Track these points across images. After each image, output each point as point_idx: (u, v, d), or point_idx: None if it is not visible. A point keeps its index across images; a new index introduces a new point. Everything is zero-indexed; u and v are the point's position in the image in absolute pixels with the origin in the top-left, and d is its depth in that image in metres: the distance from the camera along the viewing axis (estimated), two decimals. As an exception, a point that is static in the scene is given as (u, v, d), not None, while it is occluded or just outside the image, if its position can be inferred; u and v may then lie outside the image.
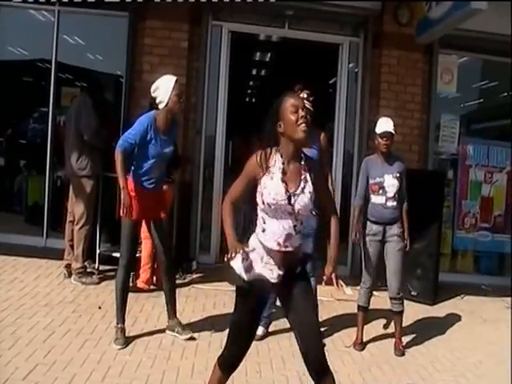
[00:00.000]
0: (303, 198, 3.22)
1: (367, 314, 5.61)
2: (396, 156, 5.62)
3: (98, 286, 6.53)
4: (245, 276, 3.25)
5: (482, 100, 9.73)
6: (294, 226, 3.26)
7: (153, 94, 5.01)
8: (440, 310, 6.95)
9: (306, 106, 5.37)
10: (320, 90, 9.88)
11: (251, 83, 16.27)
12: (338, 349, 5.39)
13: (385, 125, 5.43)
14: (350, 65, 8.32)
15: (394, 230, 5.39)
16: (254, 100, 19.32)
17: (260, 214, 3.30)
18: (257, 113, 7.00)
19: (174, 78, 5.01)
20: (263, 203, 3.21)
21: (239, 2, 7.64)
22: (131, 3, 7.44)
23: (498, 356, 5.54)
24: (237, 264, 3.25)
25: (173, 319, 5.31)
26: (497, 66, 9.09)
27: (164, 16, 7.48)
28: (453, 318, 6.65)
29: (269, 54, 12.92)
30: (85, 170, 6.59)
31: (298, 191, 3.22)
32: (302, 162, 3.32)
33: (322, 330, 5.45)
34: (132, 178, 4.96)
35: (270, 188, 3.19)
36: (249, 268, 3.25)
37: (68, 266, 6.70)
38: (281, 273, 3.26)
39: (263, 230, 3.28)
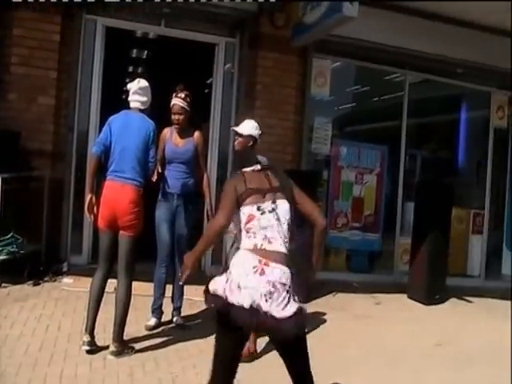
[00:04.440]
0: None
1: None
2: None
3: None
4: None
5: (354, 104, 10.07)
6: None
7: (139, 91, 5.16)
8: (313, 307, 7.01)
9: (181, 105, 5.59)
10: (197, 89, 9.87)
11: (128, 80, 15.98)
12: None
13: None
14: (226, 65, 8.34)
15: None
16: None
17: None
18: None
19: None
20: None
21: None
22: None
23: (368, 350, 5.75)
24: None
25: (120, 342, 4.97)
26: (368, 71, 9.47)
27: (35, 6, 7.10)
28: (325, 315, 6.80)
29: (145, 52, 12.75)
30: None
31: None
32: None
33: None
34: (143, 188, 5.05)
35: None
36: None
37: None
38: None
39: None
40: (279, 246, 3.25)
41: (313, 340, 5.83)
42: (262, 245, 3.21)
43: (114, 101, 7.13)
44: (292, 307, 3.18)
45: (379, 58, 8.93)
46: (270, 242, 3.22)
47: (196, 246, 3.43)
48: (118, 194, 4.86)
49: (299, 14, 7.84)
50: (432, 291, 7.96)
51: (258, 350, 5.31)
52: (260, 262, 3.14)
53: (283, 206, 3.34)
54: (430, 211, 7.98)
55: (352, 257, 9.19)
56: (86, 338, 4.86)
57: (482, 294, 8.52)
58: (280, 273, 3.19)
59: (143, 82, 5.15)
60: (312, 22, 7.46)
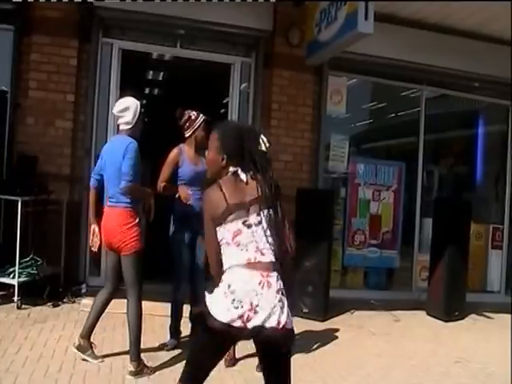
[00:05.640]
0: None
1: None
2: None
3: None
4: None
5: (370, 121, 10.07)
6: None
7: (119, 114, 5.08)
8: (330, 325, 7.07)
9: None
10: (213, 109, 9.91)
11: (144, 102, 16.09)
12: (229, 369, 5.36)
13: None
14: (242, 85, 8.39)
15: None
16: (146, 119, 18.90)
17: None
18: (149, 132, 6.98)
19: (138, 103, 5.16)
20: None
21: (130, 19, 7.65)
22: (17, 16, 7.23)
23: (387, 368, 5.72)
24: None
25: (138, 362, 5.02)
26: (385, 87, 9.46)
27: (52, 31, 7.24)
28: (342, 333, 6.78)
29: (161, 73, 12.84)
30: None
31: None
32: None
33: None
34: (131, 207, 4.93)
35: None
36: None
37: None
38: None
39: None
40: (271, 256, 3.05)
41: (331, 358, 5.89)
42: (255, 258, 3.01)
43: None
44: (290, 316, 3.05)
45: (395, 74, 8.94)
46: (262, 254, 3.03)
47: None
48: (107, 218, 4.97)
49: (314, 32, 7.87)
50: (451, 308, 7.90)
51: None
52: (263, 275, 2.98)
53: (269, 214, 3.11)
54: (448, 227, 7.94)
55: (370, 274, 9.16)
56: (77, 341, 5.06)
57: (502, 310, 8.42)
58: (280, 280, 3.05)
59: (120, 103, 5.14)
60: (327, 39, 7.48)
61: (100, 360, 5.07)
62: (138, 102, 5.13)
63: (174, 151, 5.76)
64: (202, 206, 3.26)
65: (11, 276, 6.48)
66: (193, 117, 5.72)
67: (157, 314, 6.06)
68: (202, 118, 5.73)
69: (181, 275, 5.74)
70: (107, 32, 7.83)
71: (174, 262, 5.78)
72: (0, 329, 5.73)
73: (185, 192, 5.62)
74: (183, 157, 5.75)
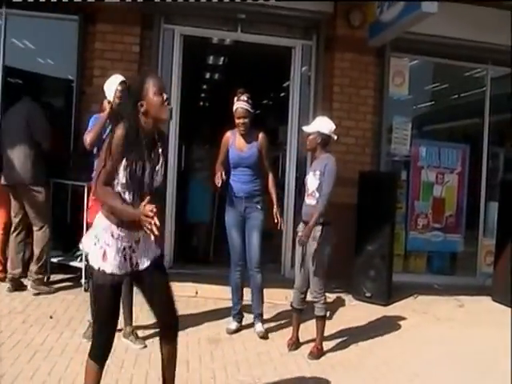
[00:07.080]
0: (159, 172, 3.44)
1: (301, 315, 5.55)
2: (323, 155, 5.42)
3: (48, 295, 6.41)
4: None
5: (433, 102, 9.88)
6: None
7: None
8: (393, 310, 7.02)
9: (246, 107, 5.62)
10: (274, 93, 9.89)
11: (205, 87, 16.16)
12: (292, 353, 5.39)
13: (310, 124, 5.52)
14: (303, 68, 8.32)
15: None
16: (207, 104, 19.02)
17: (119, 189, 3.37)
18: (210, 116, 7.01)
19: (118, 80, 5.24)
20: (125, 179, 3.30)
21: (191, 6, 7.66)
22: (81, 6, 7.35)
23: (451, 355, 5.62)
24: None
25: (129, 326, 5.28)
26: (447, 68, 9.27)
27: (115, 20, 7.37)
28: (406, 318, 6.72)
29: (222, 58, 12.82)
30: (38, 178, 6.43)
31: (157, 167, 3.42)
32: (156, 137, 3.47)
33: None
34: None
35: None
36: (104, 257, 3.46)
37: (13, 280, 6.47)
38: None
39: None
40: None
41: (395, 343, 5.85)
42: None
43: (193, 108, 7.27)
44: None
45: (458, 53, 8.69)
46: None
47: None
48: None
49: (376, 13, 7.75)
50: (518, 293, 7.71)
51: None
52: None
53: None
54: (515, 211, 7.74)
55: (433, 258, 8.99)
56: None
57: None
58: None
59: None
60: (389, 20, 7.33)
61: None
62: (118, 79, 5.28)
63: (226, 135, 5.85)
64: None
65: (78, 259, 6.69)
66: (235, 100, 5.74)
67: (220, 297, 6.13)
68: (237, 104, 5.70)
69: (234, 258, 5.82)
70: (168, 18, 7.89)
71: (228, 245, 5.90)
72: (69, 310, 5.95)
73: (217, 174, 5.65)
74: (232, 141, 5.79)
